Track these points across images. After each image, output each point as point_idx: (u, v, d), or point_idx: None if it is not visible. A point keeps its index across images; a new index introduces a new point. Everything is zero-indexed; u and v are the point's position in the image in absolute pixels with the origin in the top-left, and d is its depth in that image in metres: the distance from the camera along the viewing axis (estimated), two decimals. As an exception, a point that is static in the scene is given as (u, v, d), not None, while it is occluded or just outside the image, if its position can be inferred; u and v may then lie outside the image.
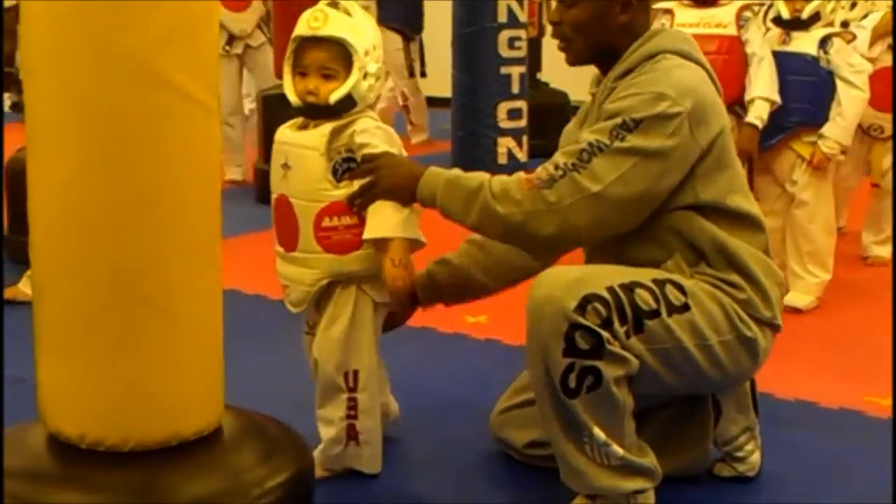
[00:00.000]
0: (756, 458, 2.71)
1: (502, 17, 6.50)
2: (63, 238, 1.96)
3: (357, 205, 2.50)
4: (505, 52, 6.53)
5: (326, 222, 2.53)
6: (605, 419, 2.31)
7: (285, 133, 2.62)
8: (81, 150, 1.91)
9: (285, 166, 2.58)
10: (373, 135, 2.54)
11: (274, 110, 6.12)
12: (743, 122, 4.20)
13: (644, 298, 2.32)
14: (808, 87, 4.20)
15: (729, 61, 4.09)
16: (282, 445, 2.17)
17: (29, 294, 2.40)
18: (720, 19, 4.21)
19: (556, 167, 2.37)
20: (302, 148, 2.56)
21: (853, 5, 5.18)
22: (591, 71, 2.64)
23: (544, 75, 8.31)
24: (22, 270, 4.02)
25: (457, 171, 2.49)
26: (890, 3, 4.89)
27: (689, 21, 4.18)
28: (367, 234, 2.48)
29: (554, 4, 2.62)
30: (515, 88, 6.59)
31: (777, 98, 4.14)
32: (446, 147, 7.10)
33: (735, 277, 2.44)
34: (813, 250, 4.30)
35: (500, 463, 2.81)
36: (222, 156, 2.54)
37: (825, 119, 4.19)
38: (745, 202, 2.53)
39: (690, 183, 2.43)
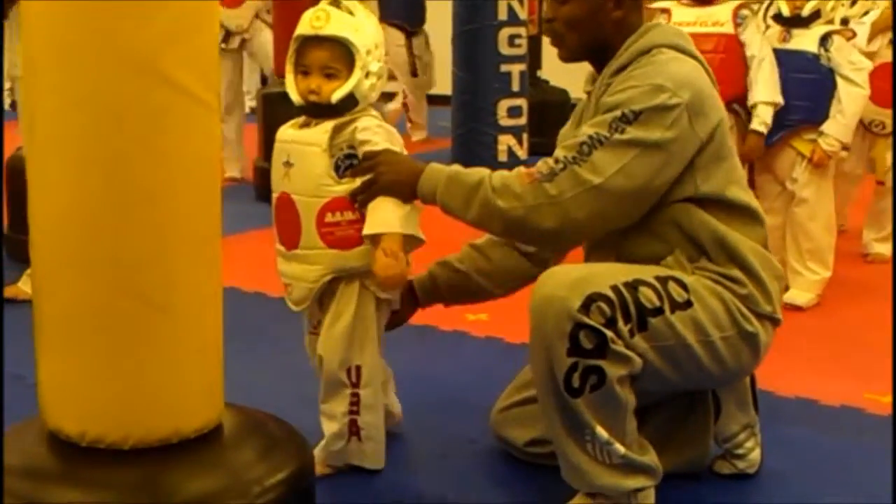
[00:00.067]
0: (756, 455, 2.72)
1: (502, 15, 6.52)
2: (63, 236, 1.95)
3: (359, 201, 2.50)
4: (505, 49, 6.54)
5: (329, 218, 2.53)
6: (608, 418, 2.31)
7: (287, 132, 2.63)
8: (82, 147, 1.91)
9: (287, 164, 2.58)
10: (374, 133, 2.55)
11: (274, 108, 6.13)
12: (742, 121, 4.21)
13: (647, 296, 2.32)
14: (808, 85, 4.21)
15: (726, 59, 4.09)
16: (282, 443, 2.16)
17: (29, 292, 2.40)
18: (717, 17, 4.22)
19: (557, 161, 2.37)
20: (304, 145, 2.57)
21: (853, 3, 5.18)
22: (590, 68, 2.64)
23: (544, 73, 8.32)
24: (22, 269, 4.02)
25: (457, 167, 2.49)
26: (889, 0, 4.89)
27: (686, 20, 4.19)
28: (367, 229, 2.48)
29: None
30: (515, 86, 6.60)
31: (780, 99, 4.15)
32: (446, 145, 7.11)
33: (735, 272, 2.44)
34: (813, 248, 4.31)
35: (501, 461, 2.81)
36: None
37: (825, 117, 4.19)
38: (744, 194, 2.53)
39: (690, 175, 2.43)
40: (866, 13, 5.00)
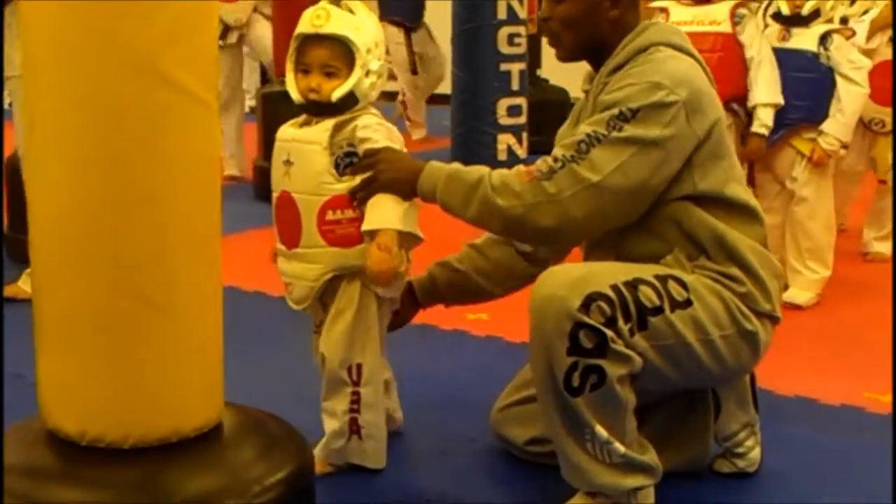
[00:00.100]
0: (756, 454, 2.72)
1: (502, 14, 6.52)
2: (63, 235, 1.95)
3: (358, 199, 2.50)
4: (504, 48, 6.54)
5: (330, 215, 2.53)
6: (608, 417, 2.31)
7: (287, 131, 2.63)
8: (81, 147, 1.91)
9: (287, 163, 2.58)
10: (374, 130, 2.55)
11: (273, 107, 6.13)
12: (741, 120, 4.21)
13: (647, 295, 2.32)
14: (808, 84, 4.21)
15: (724, 58, 4.09)
16: (282, 442, 2.16)
17: (28, 292, 2.40)
18: (714, 16, 4.22)
19: (556, 160, 2.37)
20: (304, 143, 2.57)
21: (852, 1, 5.19)
22: (589, 67, 2.64)
23: (544, 72, 8.32)
24: (21, 269, 4.03)
25: (457, 166, 2.49)
26: (888, -1, 4.89)
27: (684, 19, 4.19)
28: (366, 225, 2.48)
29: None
30: (515, 85, 6.60)
31: (780, 99, 4.15)
32: (446, 144, 7.10)
33: (735, 271, 2.44)
34: (813, 247, 4.31)
35: (501, 460, 2.81)
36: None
37: (825, 116, 4.19)
38: (742, 192, 2.54)
39: (688, 173, 2.43)
40: (865, 12, 5.00)
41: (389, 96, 8.59)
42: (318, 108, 2.58)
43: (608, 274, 2.34)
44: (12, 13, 3.56)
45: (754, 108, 4.16)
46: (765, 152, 4.22)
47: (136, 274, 1.94)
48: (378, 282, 2.53)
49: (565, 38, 2.56)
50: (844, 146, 4.30)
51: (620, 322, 2.28)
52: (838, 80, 4.19)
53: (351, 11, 2.58)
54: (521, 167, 2.43)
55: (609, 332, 2.26)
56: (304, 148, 2.57)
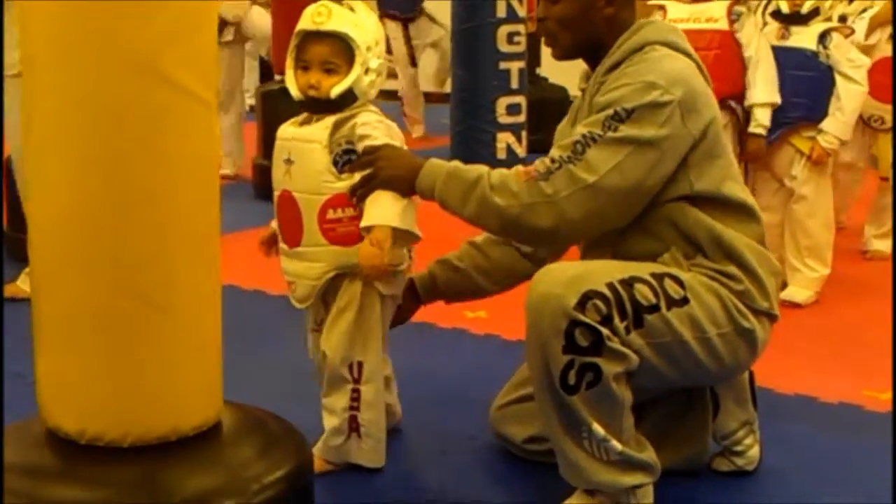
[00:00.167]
0: (755, 452, 2.72)
1: (501, 13, 6.51)
2: (62, 235, 1.95)
3: (357, 196, 2.50)
4: (504, 47, 6.53)
5: (331, 214, 2.54)
6: (605, 415, 2.31)
7: (288, 130, 2.64)
8: (81, 146, 1.91)
9: (288, 161, 2.59)
10: (374, 128, 2.56)
11: (273, 106, 6.13)
12: (738, 119, 4.21)
13: (643, 293, 2.33)
14: (807, 83, 4.21)
15: (720, 56, 4.09)
16: (281, 441, 2.16)
17: (27, 291, 2.40)
18: (711, 14, 4.22)
19: (553, 160, 2.38)
20: (305, 142, 2.57)
21: (851, 0, 5.19)
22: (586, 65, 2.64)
23: (543, 70, 8.31)
24: (20, 268, 4.03)
25: (456, 164, 2.49)
26: (887, -1, 4.89)
27: (681, 16, 4.19)
28: (364, 222, 2.48)
29: None
30: (514, 83, 6.59)
31: (777, 99, 4.15)
32: (445, 142, 7.10)
33: (732, 269, 2.45)
34: (812, 245, 4.31)
35: (500, 458, 2.81)
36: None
37: (824, 114, 4.20)
38: (739, 190, 2.54)
39: (684, 173, 2.44)
40: (864, 11, 5.00)
41: (389, 95, 8.61)
42: (317, 105, 2.59)
43: (604, 272, 2.34)
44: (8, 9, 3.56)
45: (751, 107, 4.16)
46: (764, 152, 4.22)
47: (135, 273, 1.94)
48: (369, 277, 2.53)
49: (562, 38, 2.56)
50: (843, 144, 4.31)
51: (616, 320, 2.28)
52: (837, 78, 4.19)
53: (352, 10, 2.59)
54: (520, 167, 2.43)
55: (605, 330, 2.26)
56: (305, 146, 2.57)
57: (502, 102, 6.55)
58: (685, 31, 2.64)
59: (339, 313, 2.61)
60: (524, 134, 6.66)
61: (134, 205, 1.92)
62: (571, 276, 2.31)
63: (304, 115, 2.64)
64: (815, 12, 4.24)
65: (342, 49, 2.56)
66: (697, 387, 2.63)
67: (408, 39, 8.44)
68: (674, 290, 2.37)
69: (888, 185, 5.02)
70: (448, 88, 7.14)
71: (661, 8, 4.33)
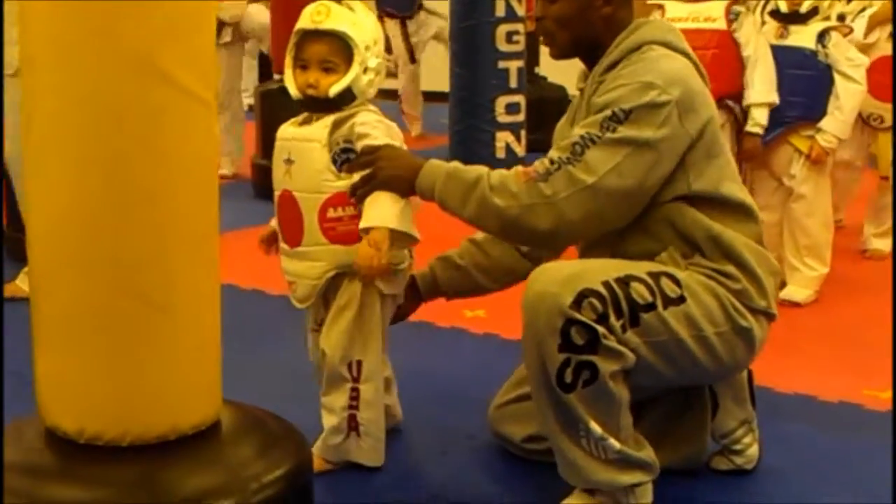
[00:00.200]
0: (754, 451, 2.72)
1: (500, 12, 6.50)
2: (61, 234, 1.95)
3: (357, 196, 2.50)
4: (503, 46, 6.53)
5: (331, 213, 2.54)
6: (602, 413, 2.31)
7: (288, 130, 2.64)
8: (80, 145, 1.91)
9: (288, 161, 2.59)
10: (373, 127, 2.56)
11: (271, 105, 6.13)
12: (736, 118, 4.21)
13: (639, 292, 2.32)
14: (805, 82, 4.21)
15: (718, 56, 4.08)
16: (280, 440, 2.16)
17: (26, 290, 2.40)
18: (709, 13, 4.21)
19: (552, 161, 2.38)
20: (304, 141, 2.58)
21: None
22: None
23: (542, 69, 8.31)
24: (19, 267, 4.03)
25: (456, 164, 2.49)
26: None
27: (679, 15, 4.20)
28: (363, 223, 2.48)
29: None
30: (513, 83, 6.59)
31: (775, 99, 4.15)
32: (444, 141, 7.10)
33: (730, 268, 2.45)
34: (810, 244, 4.31)
35: (499, 457, 2.81)
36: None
37: (823, 113, 4.20)
38: (737, 190, 2.54)
39: (682, 173, 2.44)
40: (863, 10, 5.00)
41: (389, 94, 8.62)
42: (315, 104, 2.59)
43: (600, 271, 2.34)
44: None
45: (749, 107, 4.16)
46: (760, 152, 4.22)
47: (134, 272, 1.94)
48: (367, 278, 2.53)
49: (560, 37, 2.56)
50: (841, 142, 4.31)
51: (612, 318, 2.28)
52: (836, 77, 4.19)
53: (350, 9, 2.59)
54: (520, 168, 2.43)
55: (601, 329, 2.26)
56: (304, 146, 2.58)
57: (501, 101, 6.55)
58: (683, 31, 2.64)
59: (339, 312, 2.61)
60: (523, 133, 6.66)
61: (133, 204, 1.92)
62: (567, 274, 2.31)
63: (304, 115, 2.65)
64: (813, 11, 4.24)
65: (341, 48, 2.56)
66: (696, 386, 2.62)
67: (406, 36, 8.46)
68: (670, 288, 2.37)
69: (887, 183, 5.02)
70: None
71: (660, 7, 4.33)
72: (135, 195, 1.92)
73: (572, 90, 2.78)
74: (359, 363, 2.62)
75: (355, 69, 2.55)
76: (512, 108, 6.58)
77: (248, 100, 8.20)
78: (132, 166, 1.91)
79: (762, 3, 4.40)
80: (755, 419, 2.72)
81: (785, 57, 4.20)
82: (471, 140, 6.61)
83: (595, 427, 2.31)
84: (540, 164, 2.39)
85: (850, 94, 4.19)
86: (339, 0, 2.60)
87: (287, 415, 2.29)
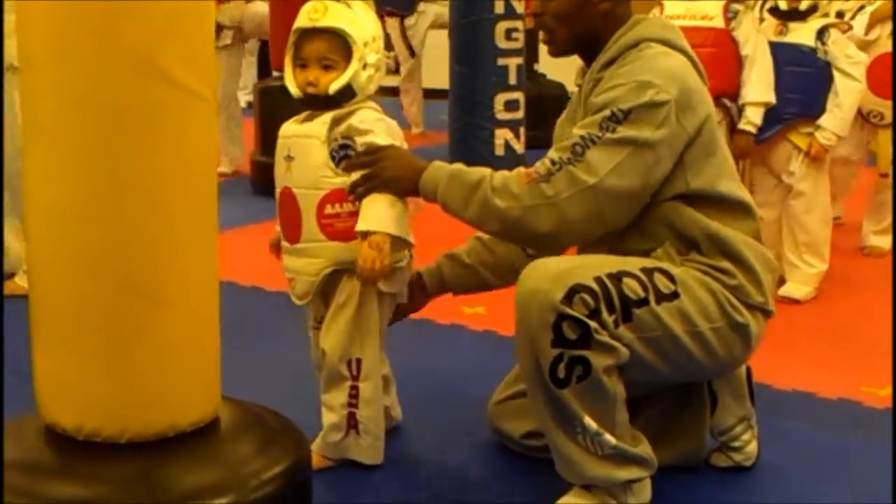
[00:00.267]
0: (753, 447, 2.72)
1: (499, 9, 6.50)
2: (59, 231, 1.95)
3: (357, 194, 2.50)
4: (502, 43, 6.52)
5: (329, 210, 2.54)
6: (596, 408, 2.31)
7: (289, 127, 2.65)
8: (79, 142, 1.91)
9: (288, 158, 2.60)
10: (373, 125, 2.56)
11: (270, 103, 6.13)
12: (732, 117, 4.21)
13: (632, 287, 2.33)
14: (804, 79, 4.21)
15: (716, 54, 4.07)
16: (279, 437, 2.16)
17: (25, 288, 2.40)
18: (706, 11, 4.21)
19: (553, 162, 2.38)
20: (304, 138, 2.59)
21: (848, -4, 5.19)
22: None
23: (542, 66, 8.32)
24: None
25: (459, 166, 2.49)
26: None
27: (677, 13, 4.20)
28: (360, 225, 2.49)
29: None
30: (513, 79, 6.58)
31: (771, 98, 4.15)
32: (443, 139, 7.10)
33: (725, 264, 2.45)
34: (810, 241, 4.31)
35: (498, 453, 2.81)
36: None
37: (822, 110, 4.19)
38: (735, 187, 2.54)
39: (680, 171, 2.44)
40: (861, 7, 4.99)
41: (391, 92, 8.64)
42: (316, 102, 2.59)
43: (592, 266, 2.34)
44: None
45: (744, 105, 4.16)
46: (752, 150, 4.22)
47: (133, 269, 1.94)
48: (368, 280, 2.54)
49: (559, 33, 2.56)
50: (840, 140, 4.31)
51: (604, 314, 2.28)
52: (835, 74, 4.19)
53: (348, 5, 2.59)
54: (521, 169, 2.43)
55: (592, 323, 2.27)
56: (304, 143, 2.58)
57: (500, 99, 6.54)
58: (681, 28, 2.64)
59: (338, 310, 2.61)
60: (522, 130, 6.65)
61: (132, 201, 1.92)
62: (558, 270, 2.31)
63: (306, 113, 2.65)
64: (812, 9, 4.24)
65: (339, 45, 2.56)
66: (693, 382, 2.63)
67: (403, 32, 8.50)
68: (663, 284, 2.37)
69: (886, 181, 5.02)
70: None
71: (659, 4, 4.33)
72: (134, 193, 1.92)
73: (571, 87, 2.78)
74: (358, 361, 2.62)
75: (354, 66, 2.55)
76: (511, 105, 6.57)
77: (247, 97, 8.21)
78: (131, 164, 1.91)
79: (761, 0, 4.39)
80: (754, 416, 2.73)
81: (784, 54, 4.20)
82: (470, 137, 6.60)
83: (590, 422, 2.31)
84: (541, 165, 2.39)
85: (849, 92, 4.19)
86: (338, -2, 2.60)
87: (286, 412, 2.29)
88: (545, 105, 7.34)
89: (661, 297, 2.35)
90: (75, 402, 1.99)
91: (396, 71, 8.87)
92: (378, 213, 2.48)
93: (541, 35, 2.64)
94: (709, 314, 2.40)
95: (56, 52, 1.90)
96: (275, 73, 6.44)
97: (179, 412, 2.02)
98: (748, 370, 2.72)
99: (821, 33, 4.20)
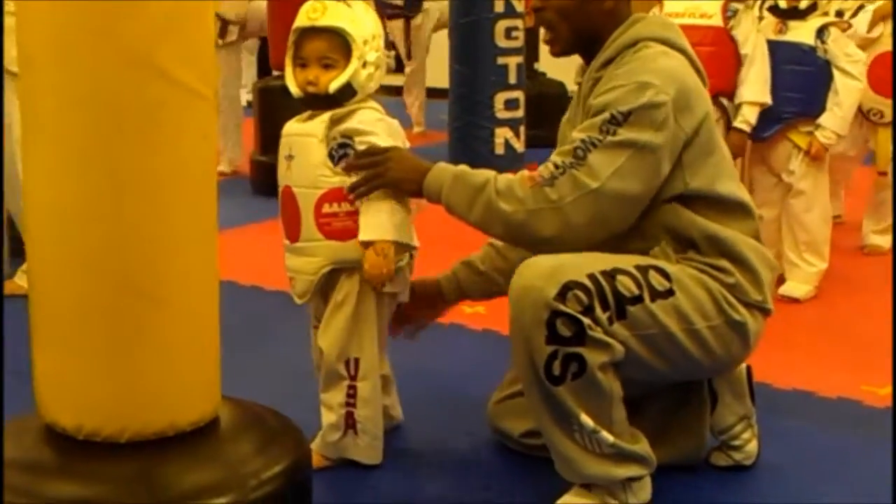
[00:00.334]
0: (753, 446, 2.72)
1: (499, 7, 6.50)
2: (59, 230, 1.95)
3: (359, 193, 2.50)
4: (502, 42, 6.53)
5: (326, 209, 2.54)
6: (593, 406, 2.31)
7: (291, 126, 2.66)
8: (78, 142, 1.91)
9: (289, 157, 2.61)
10: (372, 125, 2.56)
11: (270, 102, 6.12)
12: (729, 116, 4.21)
13: (626, 284, 2.32)
14: (804, 78, 4.20)
15: (714, 53, 4.07)
16: (279, 436, 2.16)
17: (25, 287, 2.40)
18: (705, 10, 4.21)
19: (556, 166, 2.38)
20: (304, 136, 2.59)
21: (848, -6, 5.18)
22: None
23: (542, 65, 8.32)
24: (17, 265, 4.03)
25: (463, 168, 2.49)
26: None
27: (676, 10, 4.20)
28: (362, 235, 2.50)
29: None
30: (512, 78, 6.58)
31: (767, 99, 4.14)
32: (443, 138, 7.09)
33: (723, 262, 2.45)
34: (810, 240, 4.31)
35: (498, 453, 2.81)
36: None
37: (821, 109, 4.19)
38: (734, 187, 2.54)
39: (679, 172, 2.44)
40: (861, 7, 4.99)
41: (395, 91, 8.65)
42: (316, 101, 2.59)
43: (586, 264, 2.34)
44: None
45: (739, 104, 4.16)
46: (745, 148, 4.21)
47: (132, 268, 1.94)
48: (373, 284, 2.55)
49: (560, 29, 2.56)
50: (840, 138, 4.31)
51: (598, 310, 2.28)
52: (835, 73, 4.19)
53: (347, 5, 2.59)
54: (525, 172, 2.43)
55: (586, 320, 2.27)
56: (303, 141, 2.59)
57: (500, 98, 6.55)
58: (679, 26, 2.64)
59: (336, 309, 2.61)
60: (522, 129, 6.65)
61: (131, 200, 1.92)
62: (551, 268, 2.31)
63: (308, 112, 2.65)
64: (812, 7, 4.23)
65: (339, 44, 2.56)
66: (693, 380, 2.62)
67: (408, 33, 8.50)
68: (658, 282, 2.36)
69: (885, 179, 5.01)
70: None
71: (658, 2, 4.33)
72: (133, 192, 1.92)
73: (571, 86, 2.79)
74: (356, 361, 2.62)
75: (354, 64, 2.55)
76: (511, 105, 6.57)
77: (246, 96, 8.20)
78: (131, 163, 1.91)
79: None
80: (754, 415, 2.72)
81: (783, 53, 4.19)
82: (470, 136, 6.60)
83: (587, 420, 2.31)
84: (545, 169, 2.39)
85: (848, 91, 4.19)
86: (337, -3, 2.60)
87: (286, 411, 2.29)
88: (545, 104, 7.34)
89: (656, 295, 2.35)
90: (75, 402, 1.99)
91: (397, 70, 8.89)
92: (379, 220, 2.49)
93: (541, 34, 2.64)
94: (705, 312, 2.40)
95: (56, 52, 1.90)
96: (275, 73, 6.44)
97: (179, 412, 2.01)
98: (748, 369, 2.71)
99: (820, 32, 4.20)
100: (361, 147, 2.54)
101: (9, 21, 2.74)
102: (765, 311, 2.52)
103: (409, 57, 8.63)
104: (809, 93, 4.20)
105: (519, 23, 6.61)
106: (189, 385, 2.03)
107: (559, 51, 2.60)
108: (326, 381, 2.65)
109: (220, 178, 2.20)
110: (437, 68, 8.32)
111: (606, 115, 2.37)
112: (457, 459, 2.80)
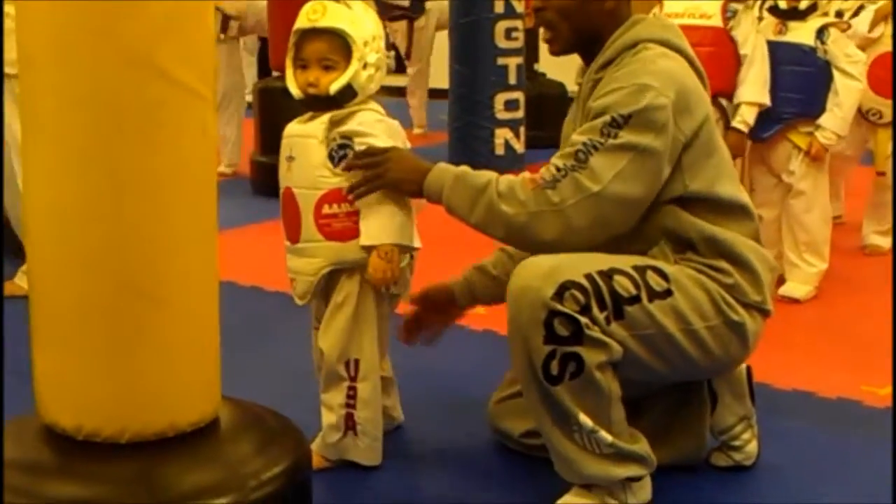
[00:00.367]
0: (753, 447, 2.72)
1: (499, 8, 6.52)
2: (59, 230, 1.95)
3: (359, 193, 2.50)
4: (502, 42, 6.54)
5: (326, 209, 2.55)
6: (591, 406, 2.31)
7: (292, 127, 2.66)
8: (78, 142, 1.91)
9: (290, 158, 2.61)
10: (372, 126, 2.56)
11: (270, 103, 6.13)
12: (728, 116, 4.20)
13: (623, 284, 2.32)
14: (804, 78, 4.20)
15: (713, 53, 4.06)
16: (279, 437, 2.16)
17: (25, 288, 2.40)
18: (704, 10, 4.21)
19: (558, 169, 2.38)
20: (304, 138, 2.59)
21: (848, -5, 5.18)
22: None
23: (542, 66, 8.32)
24: (17, 265, 4.03)
25: (465, 169, 2.49)
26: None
27: (675, 11, 4.19)
28: (363, 240, 2.51)
29: None
30: (512, 79, 6.59)
31: (766, 100, 4.14)
32: (443, 138, 7.10)
33: (722, 263, 2.44)
34: (810, 240, 4.31)
35: (498, 453, 2.81)
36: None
37: (821, 110, 4.19)
38: (734, 189, 2.54)
39: (678, 173, 2.44)
40: (861, 7, 4.99)
41: (398, 92, 8.66)
42: (317, 103, 2.59)
43: (583, 264, 2.34)
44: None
45: (738, 105, 4.16)
46: (743, 148, 4.21)
47: (132, 269, 1.94)
48: (376, 286, 2.56)
49: (560, 29, 2.55)
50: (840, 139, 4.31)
51: (595, 310, 2.28)
52: (835, 74, 4.18)
53: (347, 6, 2.59)
54: (527, 174, 2.43)
55: (584, 319, 2.27)
56: (303, 142, 2.59)
57: (500, 98, 6.55)
58: (679, 26, 2.64)
59: (336, 309, 2.61)
60: (522, 130, 6.66)
61: (131, 200, 1.92)
62: (549, 267, 2.31)
63: (309, 114, 2.65)
64: (812, 8, 4.23)
65: (339, 45, 2.56)
66: (692, 381, 2.62)
67: (410, 34, 8.50)
68: (656, 282, 2.36)
69: (884, 179, 5.01)
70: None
71: (658, 2, 4.33)
72: (133, 192, 1.92)
73: (572, 86, 2.79)
74: (356, 362, 2.62)
75: (354, 65, 2.55)
76: (511, 105, 6.58)
77: (246, 97, 8.21)
78: (131, 163, 1.91)
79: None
80: (754, 415, 2.72)
81: (783, 53, 4.19)
82: (470, 137, 6.61)
83: (585, 420, 2.31)
84: (546, 172, 2.39)
85: (848, 91, 4.19)
86: (338, -1, 2.60)
87: (286, 412, 2.29)
88: (545, 104, 7.35)
89: (654, 295, 2.35)
90: (75, 402, 1.99)
91: (398, 70, 8.89)
92: (381, 223, 2.50)
93: (541, 34, 2.64)
94: (703, 312, 2.40)
95: (56, 52, 1.90)
96: (274, 73, 6.44)
97: (179, 412, 2.01)
98: (748, 369, 2.71)
99: (820, 32, 4.20)
100: (361, 148, 2.54)
101: (7, 23, 2.74)
102: (764, 312, 2.52)
103: (408, 58, 8.63)
104: (809, 93, 4.20)
105: (519, 23, 6.62)
106: (189, 385, 2.03)
107: (559, 50, 2.60)
108: (327, 382, 2.65)
109: (220, 179, 2.20)
110: (438, 69, 8.34)
111: (607, 117, 2.37)
112: (457, 459, 2.80)
